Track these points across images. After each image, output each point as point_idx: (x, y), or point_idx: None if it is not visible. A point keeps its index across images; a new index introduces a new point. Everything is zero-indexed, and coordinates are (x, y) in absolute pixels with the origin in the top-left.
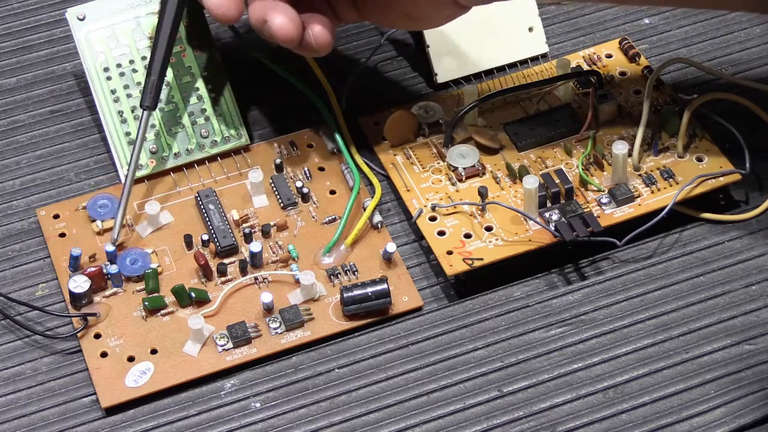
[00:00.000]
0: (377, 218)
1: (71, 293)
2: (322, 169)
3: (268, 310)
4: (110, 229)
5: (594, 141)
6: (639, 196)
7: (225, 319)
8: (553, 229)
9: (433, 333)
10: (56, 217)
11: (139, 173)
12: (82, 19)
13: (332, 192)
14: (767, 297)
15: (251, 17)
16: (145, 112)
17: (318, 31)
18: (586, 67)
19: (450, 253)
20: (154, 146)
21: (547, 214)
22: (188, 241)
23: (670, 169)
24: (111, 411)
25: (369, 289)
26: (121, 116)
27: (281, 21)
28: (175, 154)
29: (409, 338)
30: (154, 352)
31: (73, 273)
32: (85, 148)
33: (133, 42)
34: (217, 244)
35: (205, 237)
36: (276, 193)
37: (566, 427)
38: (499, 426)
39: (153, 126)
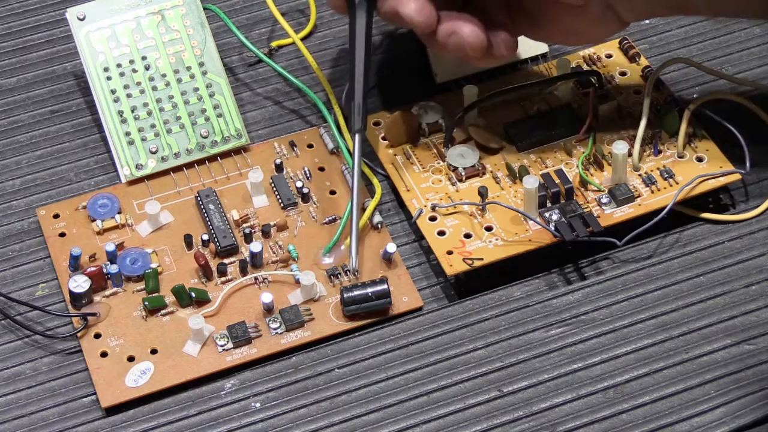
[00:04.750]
0: (377, 218)
1: (71, 293)
2: (322, 169)
3: (268, 310)
4: (110, 229)
5: (594, 141)
6: (639, 196)
7: (225, 319)
8: (553, 229)
9: (433, 333)
10: (56, 216)
11: (139, 173)
12: (82, 19)
13: (332, 192)
14: (767, 297)
15: (441, 33)
16: (357, 136)
17: (504, 37)
18: (586, 67)
19: (450, 253)
20: (154, 146)
21: (547, 214)
22: (188, 241)
23: (670, 169)
24: (111, 411)
25: (369, 290)
26: (121, 116)
27: (470, 31)
28: (175, 154)
29: (409, 338)
30: (154, 352)
31: (73, 273)
32: (85, 148)
33: (133, 42)
34: (217, 244)
35: (205, 237)
36: (276, 193)
37: (566, 427)
38: (499, 426)
39: (153, 126)
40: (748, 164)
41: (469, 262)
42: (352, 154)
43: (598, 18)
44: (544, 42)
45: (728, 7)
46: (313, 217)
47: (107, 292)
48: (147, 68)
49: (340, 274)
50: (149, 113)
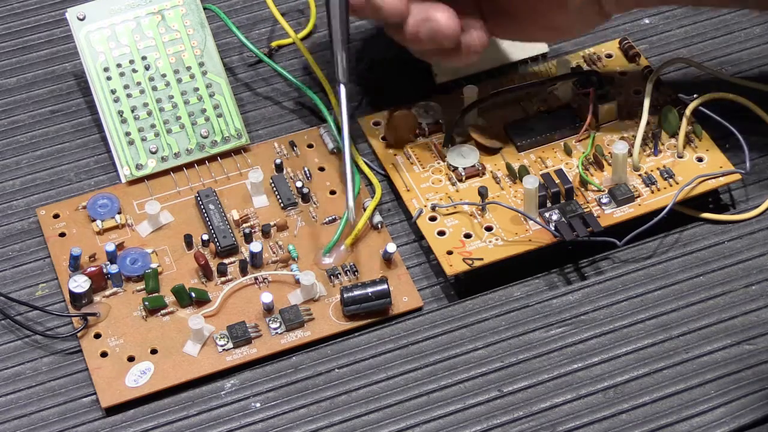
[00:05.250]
0: (377, 218)
1: (71, 293)
2: (322, 169)
3: (268, 310)
4: (110, 229)
5: (594, 141)
6: (639, 196)
7: (225, 319)
8: (553, 229)
9: (433, 333)
10: (56, 216)
11: (139, 173)
12: (82, 19)
13: (332, 192)
14: (767, 297)
15: (413, 22)
16: (342, 88)
17: (477, 29)
18: (586, 67)
19: (450, 253)
20: (154, 146)
21: (547, 214)
22: (188, 241)
23: (670, 169)
24: (111, 411)
25: (369, 290)
26: (121, 116)
27: (444, 18)
28: (175, 154)
29: (409, 338)
30: (154, 352)
31: (73, 273)
32: (85, 148)
33: (133, 42)
34: (217, 244)
35: (205, 237)
36: (276, 193)
37: (566, 427)
38: (499, 426)
39: (153, 126)
40: (748, 164)
41: (469, 262)
42: (339, 106)
43: (580, 10)
44: (521, 41)
45: (707, 1)
46: (313, 217)
47: (107, 292)
48: (147, 68)
49: (340, 274)
50: (149, 113)
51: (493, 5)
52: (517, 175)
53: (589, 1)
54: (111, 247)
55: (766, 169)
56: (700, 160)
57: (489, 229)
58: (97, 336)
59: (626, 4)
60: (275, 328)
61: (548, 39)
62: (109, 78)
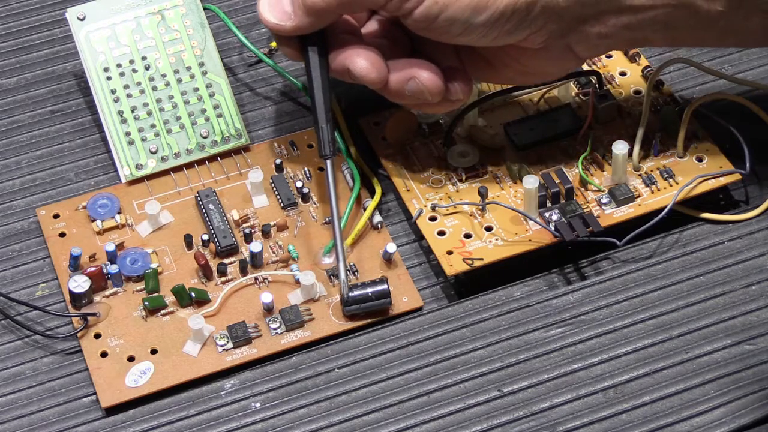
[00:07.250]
0: (377, 218)
1: (71, 293)
2: (322, 169)
3: (268, 310)
4: (110, 229)
5: (594, 141)
6: (639, 196)
7: (225, 319)
8: (553, 229)
9: (433, 333)
10: (56, 216)
11: (139, 173)
12: (82, 19)
13: None
14: (767, 297)
15: (396, 81)
16: (328, 162)
17: (460, 81)
18: (586, 67)
19: (450, 253)
20: (154, 146)
21: (547, 214)
22: (188, 241)
23: (670, 169)
24: (111, 411)
25: (369, 290)
26: (121, 116)
27: (428, 76)
28: (175, 154)
29: (409, 338)
30: (154, 352)
31: (73, 273)
32: (85, 148)
33: (133, 42)
34: (217, 244)
35: (205, 237)
36: (276, 193)
37: (566, 427)
38: (499, 426)
39: (153, 126)
40: (748, 164)
41: (469, 262)
42: (326, 180)
43: (556, 57)
44: (499, 84)
45: (682, 42)
46: (313, 217)
47: (107, 292)
48: (147, 68)
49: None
50: (149, 113)
51: (471, 53)
52: (517, 175)
53: (563, 49)
54: (111, 247)
55: (766, 169)
56: (700, 160)
57: (489, 229)
58: (97, 336)
59: (599, 50)
60: (275, 328)
61: (526, 82)
62: (109, 78)
